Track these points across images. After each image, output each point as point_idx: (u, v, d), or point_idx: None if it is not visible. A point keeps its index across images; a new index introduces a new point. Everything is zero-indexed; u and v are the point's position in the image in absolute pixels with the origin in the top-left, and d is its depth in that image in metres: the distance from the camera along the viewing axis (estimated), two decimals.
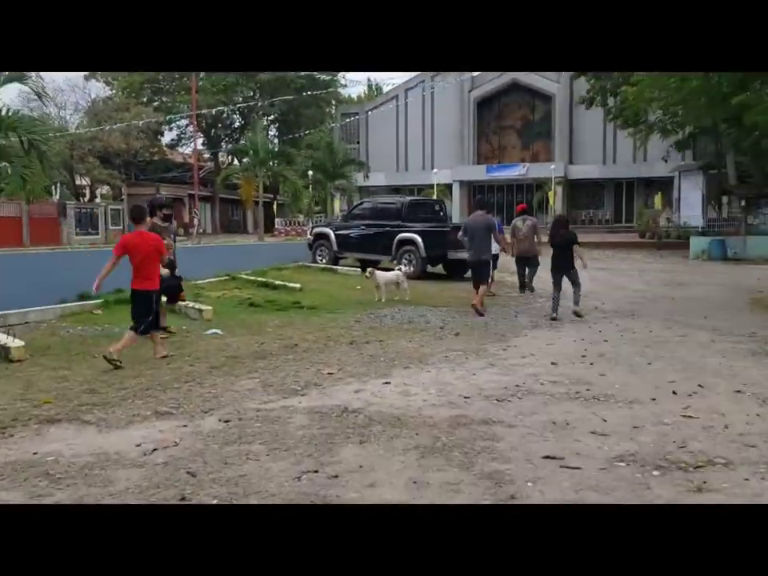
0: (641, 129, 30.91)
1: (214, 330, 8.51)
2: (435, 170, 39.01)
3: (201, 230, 31.72)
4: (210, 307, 9.75)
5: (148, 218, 7.74)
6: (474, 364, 6.73)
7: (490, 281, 11.35)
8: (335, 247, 16.80)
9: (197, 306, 9.78)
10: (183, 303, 9.53)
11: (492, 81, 43.67)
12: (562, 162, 39.90)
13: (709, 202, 29.87)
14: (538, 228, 13.11)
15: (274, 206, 39.18)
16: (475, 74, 44.54)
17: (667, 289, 14.01)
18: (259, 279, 13.46)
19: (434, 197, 37.28)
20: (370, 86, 62.84)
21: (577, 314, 9.78)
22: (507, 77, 43.12)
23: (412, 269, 15.11)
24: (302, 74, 41.14)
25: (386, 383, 5.91)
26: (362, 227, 16.19)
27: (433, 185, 38.39)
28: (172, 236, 8.60)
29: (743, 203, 25.50)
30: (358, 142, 47.33)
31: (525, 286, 13.09)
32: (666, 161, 32.32)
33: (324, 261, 17.11)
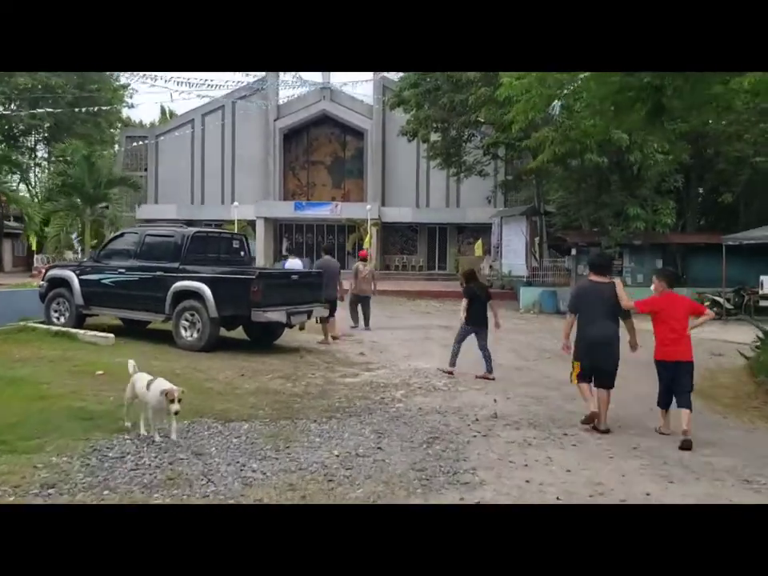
0: (459, 170, 28.79)
1: None
2: (236, 204, 33.86)
3: None
4: None
5: None
6: None
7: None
8: (79, 300, 11.15)
9: None
10: None
11: (299, 111, 39.84)
12: (375, 203, 36.79)
13: (532, 249, 28.03)
14: (374, 272, 14.90)
15: (32, 239, 31.19)
16: (281, 101, 40.54)
17: (549, 364, 10.32)
18: None
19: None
20: (163, 111, 56.05)
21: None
22: (316, 108, 39.60)
23: (196, 335, 10.04)
24: (74, 84, 34.08)
25: None
26: (121, 270, 10.79)
27: (233, 220, 33.14)
28: None
29: (573, 252, 23.58)
30: (146, 170, 40.88)
31: (357, 321, 13.79)
32: (489, 201, 30.44)
33: (63, 320, 11.39)
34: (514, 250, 28.62)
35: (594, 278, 6.50)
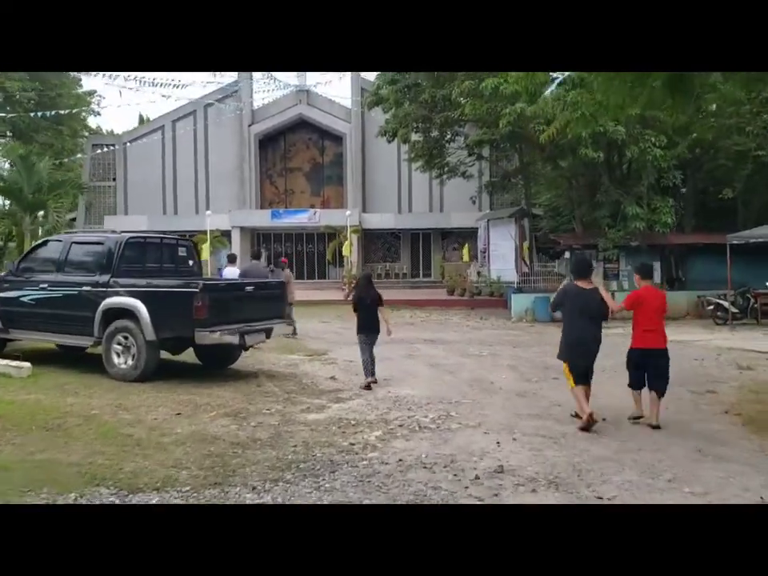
0: (441, 172, 27.28)
1: None
2: (209, 212, 32.00)
3: None
4: None
5: None
6: None
7: None
8: None
9: None
10: None
11: (275, 116, 38.15)
12: (355, 209, 35.11)
13: (521, 253, 26.45)
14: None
15: None
16: (255, 106, 38.83)
17: (557, 386, 8.68)
18: None
19: (208, 244, 30.35)
20: (142, 119, 53.84)
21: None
22: (292, 112, 37.93)
23: (130, 361, 8.31)
24: (33, 89, 32.15)
25: None
26: (43, 286, 9.02)
27: (208, 230, 31.24)
28: None
29: (567, 255, 22.09)
30: (114, 179, 38.98)
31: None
32: (474, 202, 28.95)
33: None
34: (502, 255, 27.04)
35: (579, 282, 6.70)
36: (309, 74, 38.32)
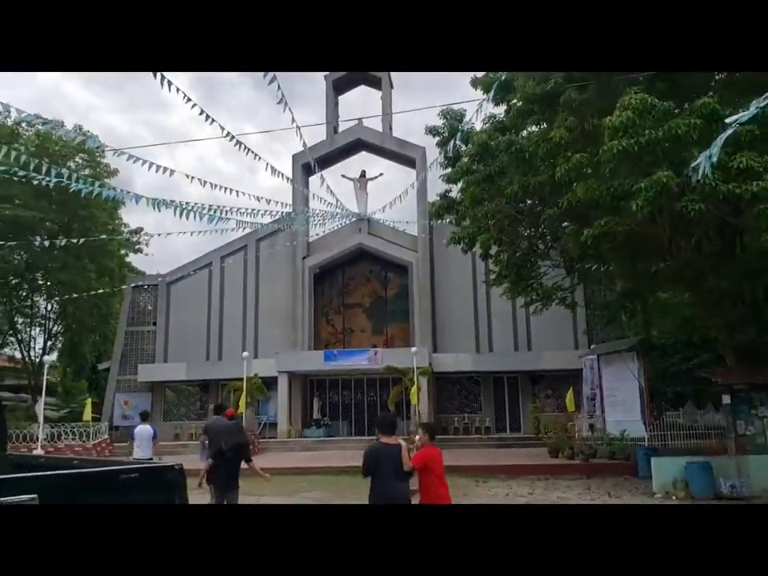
0: (534, 297, 21.18)
1: None
2: (246, 353, 26.63)
3: None
4: None
5: None
6: None
7: None
8: None
9: None
10: None
11: (332, 247, 33.59)
12: (423, 347, 29.11)
13: (649, 401, 19.46)
14: None
15: None
16: (311, 238, 34.54)
17: None
18: None
19: (244, 393, 24.70)
20: None
21: None
22: (351, 242, 33.32)
23: None
24: (53, 220, 28.91)
25: None
26: None
27: (245, 377, 25.72)
28: None
29: (726, 400, 15.23)
30: (155, 324, 34.70)
31: None
32: (585, 334, 22.47)
33: None
34: (622, 401, 20.09)
35: (384, 439, 6.57)
36: (370, 202, 34.24)
